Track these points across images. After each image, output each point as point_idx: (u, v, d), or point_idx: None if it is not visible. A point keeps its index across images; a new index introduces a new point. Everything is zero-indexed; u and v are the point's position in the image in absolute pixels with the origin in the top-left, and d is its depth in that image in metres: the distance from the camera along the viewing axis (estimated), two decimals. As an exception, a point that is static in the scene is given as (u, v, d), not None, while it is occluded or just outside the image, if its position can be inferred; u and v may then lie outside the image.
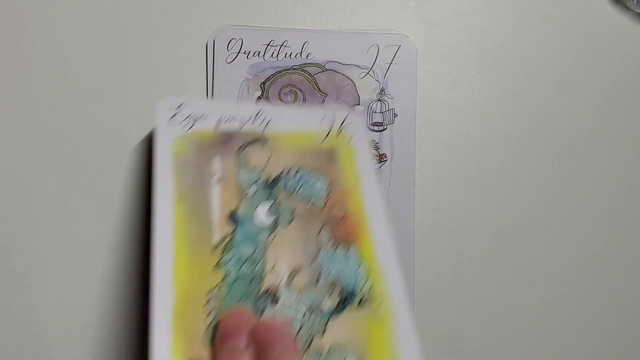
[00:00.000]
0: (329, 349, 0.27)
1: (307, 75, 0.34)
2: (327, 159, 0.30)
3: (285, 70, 0.35)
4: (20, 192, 0.34)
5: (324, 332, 0.27)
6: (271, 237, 0.28)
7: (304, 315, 0.27)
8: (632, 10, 0.37)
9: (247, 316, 0.27)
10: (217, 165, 0.29)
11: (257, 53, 0.34)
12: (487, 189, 0.36)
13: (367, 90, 0.35)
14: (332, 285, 0.28)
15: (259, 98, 0.34)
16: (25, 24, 0.35)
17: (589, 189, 0.37)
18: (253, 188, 0.29)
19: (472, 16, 0.36)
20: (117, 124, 0.35)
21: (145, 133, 0.35)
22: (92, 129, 0.35)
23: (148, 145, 0.35)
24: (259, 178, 0.29)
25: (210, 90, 0.35)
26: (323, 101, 0.35)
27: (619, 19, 0.37)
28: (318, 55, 0.35)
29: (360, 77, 0.35)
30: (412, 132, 0.35)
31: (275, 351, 0.25)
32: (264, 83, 0.34)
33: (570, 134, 0.37)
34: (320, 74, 0.35)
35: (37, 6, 0.35)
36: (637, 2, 0.36)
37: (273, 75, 0.35)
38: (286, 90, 0.35)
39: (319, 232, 0.29)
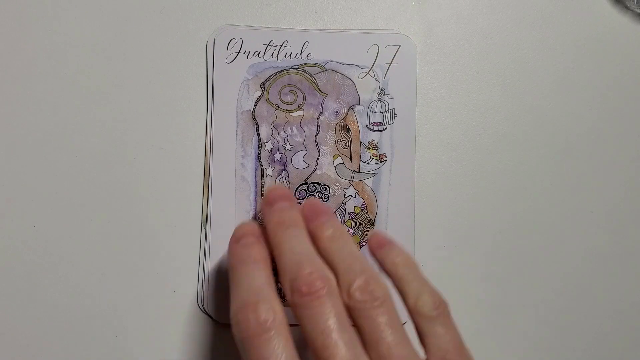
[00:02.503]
0: None
1: (307, 75, 0.34)
2: None
3: (285, 70, 0.35)
4: (20, 192, 0.34)
5: None
6: None
7: None
8: (632, 10, 0.37)
9: (285, 189, 0.32)
10: None
11: (257, 53, 0.34)
12: (487, 189, 0.36)
13: (367, 90, 0.35)
14: None
15: (259, 98, 0.34)
16: (25, 24, 0.35)
17: (589, 189, 0.37)
18: None
19: (472, 16, 0.36)
20: (117, 124, 0.35)
21: (144, 134, 0.35)
22: (92, 129, 0.35)
23: (146, 147, 0.35)
24: None
25: (210, 90, 0.35)
26: (323, 101, 0.35)
27: (619, 19, 0.37)
28: (318, 55, 0.35)
29: (360, 77, 0.35)
30: (412, 132, 0.35)
31: (324, 219, 0.29)
32: (264, 83, 0.34)
33: (570, 134, 0.37)
34: (320, 73, 0.35)
35: (37, 6, 0.35)
36: (637, 2, 0.36)
37: (273, 75, 0.35)
38: (286, 90, 0.34)
39: None
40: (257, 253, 0.28)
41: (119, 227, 0.35)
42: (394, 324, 0.26)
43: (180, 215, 0.35)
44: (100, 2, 0.35)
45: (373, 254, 0.30)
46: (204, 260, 0.34)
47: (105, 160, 0.34)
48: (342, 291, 0.27)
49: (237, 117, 0.34)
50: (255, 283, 0.27)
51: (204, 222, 0.34)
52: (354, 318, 0.27)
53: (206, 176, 0.35)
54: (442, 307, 0.28)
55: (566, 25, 0.37)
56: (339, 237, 0.29)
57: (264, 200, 0.31)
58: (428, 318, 0.28)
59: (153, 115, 0.35)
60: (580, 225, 0.36)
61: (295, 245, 0.28)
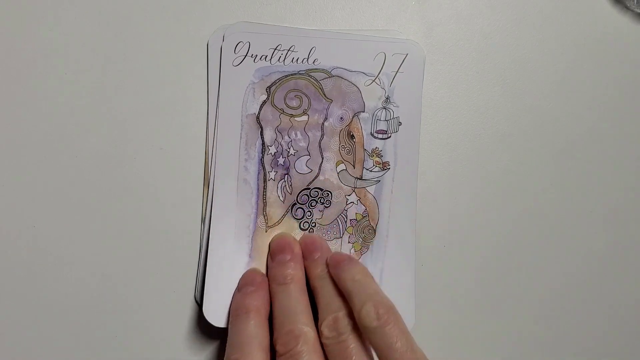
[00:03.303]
0: None
1: (313, 80, 0.34)
2: None
3: (291, 74, 0.34)
4: (20, 192, 0.34)
5: None
6: None
7: None
8: (632, 10, 0.37)
9: (290, 238, 0.33)
10: None
11: (264, 57, 0.34)
12: (487, 189, 0.36)
13: (372, 97, 0.35)
14: None
15: (264, 102, 0.34)
16: (25, 24, 0.34)
17: (589, 189, 0.37)
18: None
19: (472, 16, 0.36)
20: (117, 124, 0.35)
21: (144, 134, 0.35)
22: (92, 129, 0.34)
23: (146, 147, 0.35)
24: None
25: (216, 92, 0.34)
26: (328, 107, 0.35)
27: (619, 19, 0.37)
28: (325, 60, 0.35)
29: (366, 84, 0.35)
30: (417, 141, 0.35)
31: (317, 256, 0.32)
32: (269, 87, 0.34)
33: (570, 134, 0.37)
34: (326, 79, 0.34)
35: (37, 6, 0.35)
36: (637, 2, 0.36)
37: (279, 79, 0.34)
38: (292, 94, 0.34)
39: None
40: (251, 303, 0.31)
41: (119, 227, 0.34)
42: (357, 353, 0.28)
43: (180, 215, 0.35)
44: (100, 2, 0.35)
45: (330, 273, 0.31)
46: (202, 259, 0.34)
47: (105, 160, 0.34)
48: (319, 329, 0.29)
49: (242, 120, 0.34)
50: (240, 338, 0.29)
51: (203, 222, 0.34)
52: (327, 354, 0.29)
53: (207, 177, 0.34)
54: (386, 315, 0.28)
55: (566, 25, 0.37)
56: (324, 276, 0.31)
57: (269, 251, 0.33)
58: (372, 329, 0.28)
59: (153, 115, 0.35)
60: (580, 225, 0.36)
61: (284, 304, 0.30)
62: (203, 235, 0.35)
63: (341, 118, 0.35)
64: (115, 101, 0.35)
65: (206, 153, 0.35)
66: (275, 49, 0.34)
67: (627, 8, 0.37)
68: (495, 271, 0.36)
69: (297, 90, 0.34)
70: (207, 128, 0.35)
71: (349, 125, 0.35)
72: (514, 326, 0.36)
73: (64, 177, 0.34)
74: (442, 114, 0.36)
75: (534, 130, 0.36)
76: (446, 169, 0.36)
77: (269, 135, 0.34)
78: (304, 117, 0.34)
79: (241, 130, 0.34)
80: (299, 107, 0.34)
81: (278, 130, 0.34)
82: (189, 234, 0.35)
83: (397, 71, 0.34)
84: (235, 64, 0.34)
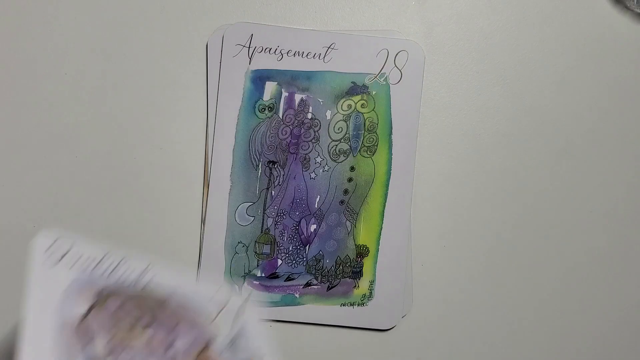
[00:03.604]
0: None
1: (151, 296, 0.27)
2: None
3: (124, 287, 0.26)
4: (20, 192, 0.34)
5: None
6: None
7: None
8: (632, 10, 0.37)
9: None
10: None
11: (86, 263, 0.26)
12: (487, 189, 0.36)
13: (221, 329, 0.28)
14: None
15: (91, 308, 0.25)
16: (25, 24, 0.34)
17: (589, 189, 0.37)
18: None
19: (472, 16, 0.36)
20: (117, 124, 0.35)
21: (144, 134, 0.35)
22: (92, 129, 0.35)
23: (146, 147, 0.35)
24: None
25: (216, 92, 0.34)
26: (175, 327, 0.26)
27: (619, 19, 0.37)
28: (161, 281, 0.27)
29: (210, 319, 0.28)
30: (414, 135, 0.35)
31: None
32: (99, 292, 0.25)
33: (570, 134, 0.37)
34: (166, 301, 0.27)
35: (37, 6, 0.35)
36: (637, 2, 0.36)
37: (109, 287, 0.26)
38: (128, 306, 0.26)
39: None
40: None
41: (119, 227, 0.35)
42: None
43: (180, 215, 0.35)
44: (100, 2, 0.35)
45: None
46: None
47: (105, 160, 0.34)
48: None
49: (56, 328, 0.24)
50: None
51: (204, 222, 0.34)
52: None
53: (206, 176, 0.34)
54: None
55: (566, 25, 0.37)
56: None
57: None
58: None
59: (153, 115, 0.35)
60: (580, 225, 0.36)
61: None
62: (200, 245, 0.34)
63: (192, 343, 0.26)
64: (115, 101, 0.35)
65: (206, 152, 0.35)
66: (100, 261, 0.26)
67: (627, 8, 0.37)
68: (495, 271, 0.36)
69: (134, 303, 0.26)
70: (206, 127, 0.35)
71: (203, 351, 0.26)
72: (513, 326, 0.36)
73: (64, 177, 0.34)
74: (442, 114, 0.36)
75: (534, 130, 0.36)
76: (446, 169, 0.36)
77: (100, 346, 0.24)
78: (147, 333, 0.25)
79: (55, 342, 0.24)
80: (139, 320, 0.25)
81: (112, 343, 0.24)
82: (188, 233, 0.35)
83: (238, 332, 0.28)
84: (48, 265, 0.25)
